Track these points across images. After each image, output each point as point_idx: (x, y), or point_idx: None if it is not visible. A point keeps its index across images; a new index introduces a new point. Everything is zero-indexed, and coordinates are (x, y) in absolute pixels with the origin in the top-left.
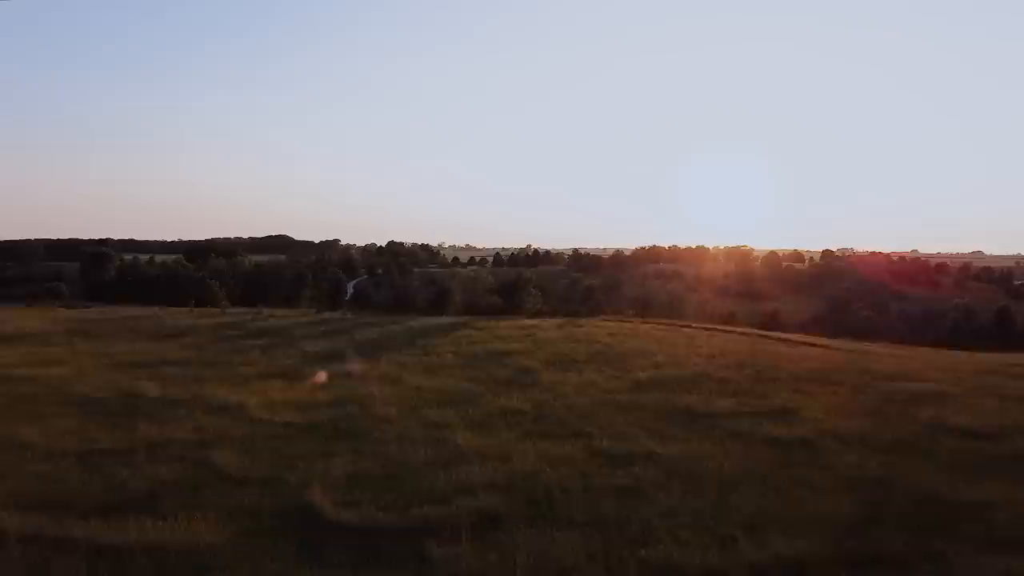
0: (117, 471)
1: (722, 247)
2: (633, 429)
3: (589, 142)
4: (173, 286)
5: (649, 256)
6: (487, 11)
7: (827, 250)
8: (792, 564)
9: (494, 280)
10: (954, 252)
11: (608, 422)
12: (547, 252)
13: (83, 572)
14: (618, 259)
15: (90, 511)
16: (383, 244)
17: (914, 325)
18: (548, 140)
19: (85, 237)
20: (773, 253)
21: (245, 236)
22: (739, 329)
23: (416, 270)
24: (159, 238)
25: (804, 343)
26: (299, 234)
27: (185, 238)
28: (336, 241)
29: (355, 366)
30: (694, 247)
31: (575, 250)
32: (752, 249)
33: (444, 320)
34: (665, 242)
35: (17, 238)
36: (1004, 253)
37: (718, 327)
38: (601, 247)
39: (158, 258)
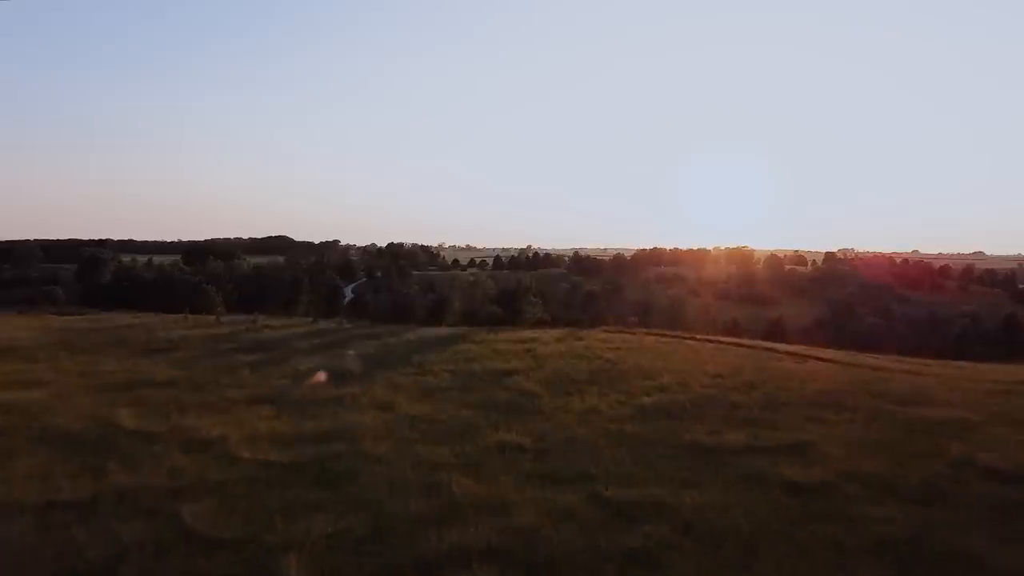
0: (76, 531)
1: (723, 248)
2: (640, 470)
3: (589, 142)
4: (169, 290)
5: (650, 259)
6: (487, 11)
7: (829, 253)
8: None
9: (494, 284)
10: (955, 252)
11: (614, 460)
12: (547, 254)
13: None
14: (619, 262)
15: None
16: (383, 244)
17: (919, 331)
18: (548, 140)
19: (84, 237)
20: (774, 255)
21: (245, 236)
22: (745, 342)
23: (415, 273)
24: (159, 238)
25: (812, 357)
26: (299, 234)
27: (185, 238)
28: (336, 242)
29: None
30: (695, 249)
31: (575, 251)
32: (753, 250)
33: (442, 332)
34: (665, 242)
35: (16, 238)
36: (1005, 254)
37: (723, 339)
38: (602, 247)
39: (156, 259)
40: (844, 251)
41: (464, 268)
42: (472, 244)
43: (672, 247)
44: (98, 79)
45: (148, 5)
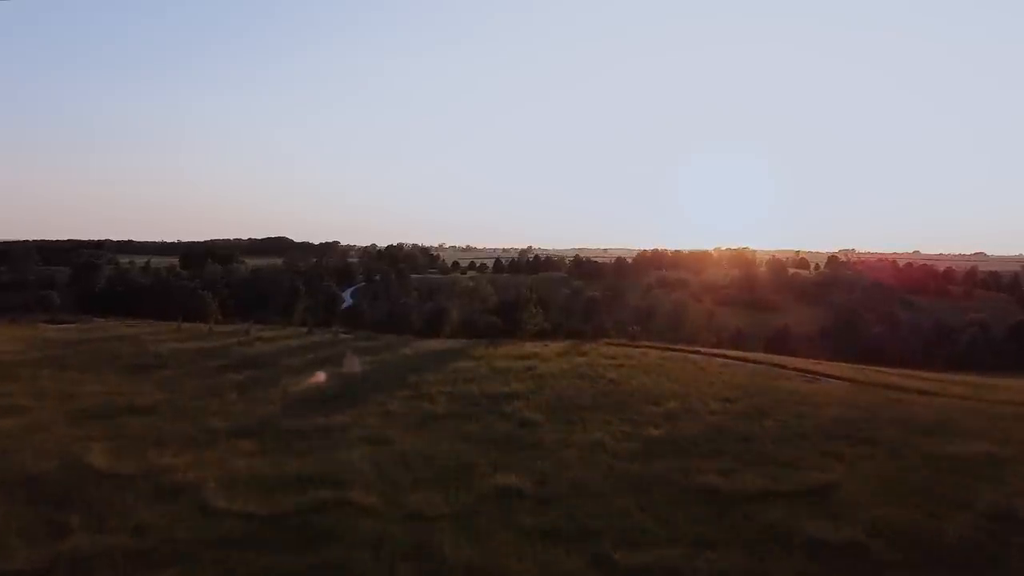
0: None
1: (723, 248)
2: (651, 524)
3: (589, 142)
4: (165, 296)
5: (651, 262)
6: (487, 11)
7: (832, 256)
8: None
9: (493, 290)
10: (956, 253)
11: (620, 510)
12: (548, 257)
13: None
14: (620, 265)
15: None
16: (383, 244)
17: (926, 340)
18: (548, 140)
19: (83, 238)
20: (776, 258)
21: (244, 237)
22: (751, 356)
23: (414, 276)
24: (158, 238)
25: (822, 374)
26: (299, 235)
27: (184, 239)
28: (336, 243)
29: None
30: (696, 251)
31: (576, 252)
32: (754, 251)
33: (440, 345)
34: (666, 242)
35: (14, 238)
36: (1007, 254)
37: (728, 353)
38: (602, 247)
39: (155, 261)
40: (845, 252)
41: (464, 271)
42: (472, 244)
43: (673, 248)
44: (97, 79)
45: (148, 5)
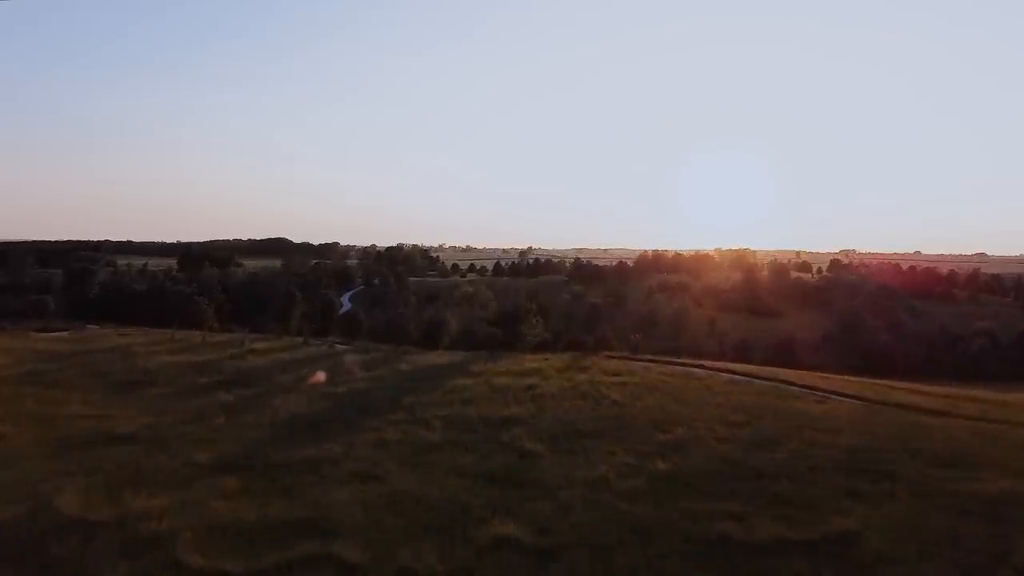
0: None
1: (724, 249)
2: None
3: (589, 142)
4: (160, 301)
5: (652, 265)
6: (487, 11)
7: (834, 260)
8: None
9: (493, 295)
10: (957, 253)
11: (629, 568)
12: (548, 260)
13: None
14: (621, 269)
15: None
16: (383, 245)
17: (932, 348)
18: (548, 140)
19: (83, 238)
20: (777, 261)
21: (244, 238)
22: (757, 372)
23: (413, 279)
24: (158, 239)
25: (832, 392)
26: (299, 235)
27: (184, 239)
28: (335, 244)
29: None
30: (697, 252)
31: (576, 252)
32: (754, 252)
33: (438, 359)
34: (666, 242)
35: (13, 239)
36: (1007, 255)
37: (734, 368)
38: (602, 247)
39: (152, 263)
40: (846, 252)
41: (463, 274)
42: (472, 245)
43: (673, 249)
44: (97, 79)
45: (148, 5)
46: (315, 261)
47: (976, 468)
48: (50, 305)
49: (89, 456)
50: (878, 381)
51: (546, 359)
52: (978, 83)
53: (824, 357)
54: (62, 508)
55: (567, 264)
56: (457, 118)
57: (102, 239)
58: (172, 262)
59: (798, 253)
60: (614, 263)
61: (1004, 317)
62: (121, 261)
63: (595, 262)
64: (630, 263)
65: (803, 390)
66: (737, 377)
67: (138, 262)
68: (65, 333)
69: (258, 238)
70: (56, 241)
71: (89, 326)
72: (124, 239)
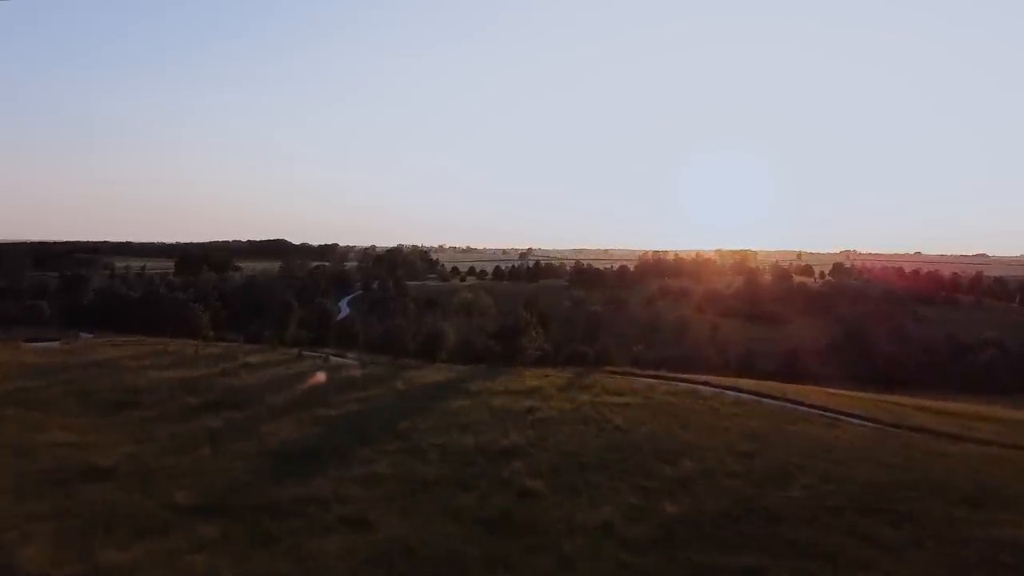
0: None
1: (724, 250)
2: None
3: (589, 142)
4: (155, 308)
5: (654, 269)
6: (487, 11)
7: (837, 263)
8: None
9: (492, 301)
10: (958, 254)
11: None
12: (548, 264)
13: None
14: (622, 274)
15: None
16: (383, 245)
17: (939, 357)
18: (548, 140)
19: (82, 239)
20: (779, 263)
21: (244, 239)
22: (765, 390)
23: (413, 283)
24: (158, 239)
25: (843, 413)
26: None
27: (184, 240)
28: (335, 246)
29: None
30: (698, 254)
31: (576, 253)
32: (755, 253)
33: (435, 376)
34: (666, 243)
35: (12, 239)
36: (1008, 255)
37: (741, 386)
38: (602, 248)
39: (151, 265)
40: (847, 252)
41: (463, 278)
42: (472, 245)
43: (673, 250)
44: (97, 79)
45: (148, 5)
46: (314, 264)
47: (1004, 507)
48: (45, 311)
49: (61, 494)
50: (887, 398)
51: (547, 375)
52: (978, 83)
53: (829, 367)
54: (25, 565)
55: (567, 268)
56: (457, 118)
57: (101, 240)
58: (170, 264)
59: (799, 254)
60: (615, 266)
61: (1010, 324)
62: (119, 263)
63: (595, 264)
64: (631, 266)
65: (812, 411)
66: (744, 396)
67: (136, 264)
68: (56, 343)
69: (257, 239)
70: (54, 242)
71: (83, 334)
72: (123, 239)
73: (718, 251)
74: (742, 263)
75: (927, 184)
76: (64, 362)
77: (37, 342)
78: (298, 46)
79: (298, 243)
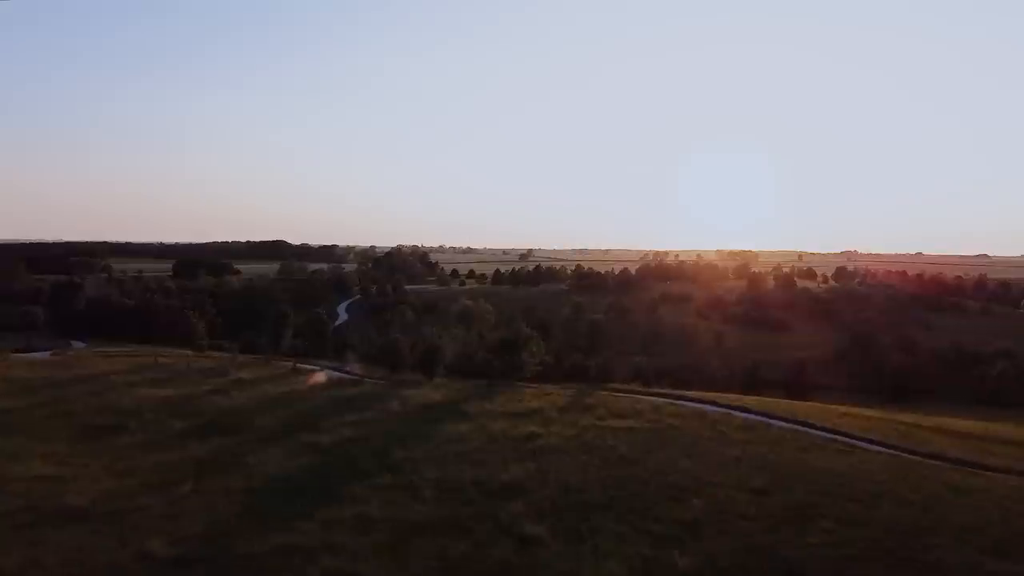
0: None
1: (726, 251)
2: None
3: (589, 142)
4: (150, 316)
5: (656, 274)
6: (487, 11)
7: (840, 267)
8: None
9: (491, 308)
10: (959, 255)
11: None
12: (549, 267)
13: None
14: (623, 278)
15: None
16: (382, 246)
17: (949, 368)
18: (548, 140)
19: (82, 240)
20: (781, 268)
21: (243, 240)
22: (774, 413)
23: (412, 287)
24: (157, 239)
25: (857, 437)
26: (298, 236)
27: (184, 241)
28: (334, 247)
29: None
30: (699, 254)
31: (577, 254)
32: (756, 253)
33: (432, 396)
34: (667, 242)
35: (10, 239)
36: (1009, 255)
37: (749, 407)
38: (603, 248)
39: (149, 268)
40: (848, 253)
41: (463, 281)
42: (472, 246)
43: (674, 250)
44: (97, 79)
45: (148, 5)
46: (313, 268)
47: None
48: (39, 317)
49: (29, 539)
50: (901, 418)
51: (547, 394)
52: (979, 83)
53: (836, 378)
54: None
55: (568, 271)
56: (457, 118)
57: (100, 240)
58: (168, 266)
59: (800, 255)
60: (616, 268)
61: (1019, 331)
62: (117, 265)
63: (596, 267)
64: (632, 268)
65: (824, 435)
66: (752, 417)
67: (134, 267)
68: (47, 354)
69: (257, 240)
70: (53, 243)
71: (75, 343)
72: (123, 240)
73: (719, 251)
74: (744, 267)
75: (928, 184)
76: (52, 377)
77: (28, 352)
78: (298, 46)
79: (297, 244)
